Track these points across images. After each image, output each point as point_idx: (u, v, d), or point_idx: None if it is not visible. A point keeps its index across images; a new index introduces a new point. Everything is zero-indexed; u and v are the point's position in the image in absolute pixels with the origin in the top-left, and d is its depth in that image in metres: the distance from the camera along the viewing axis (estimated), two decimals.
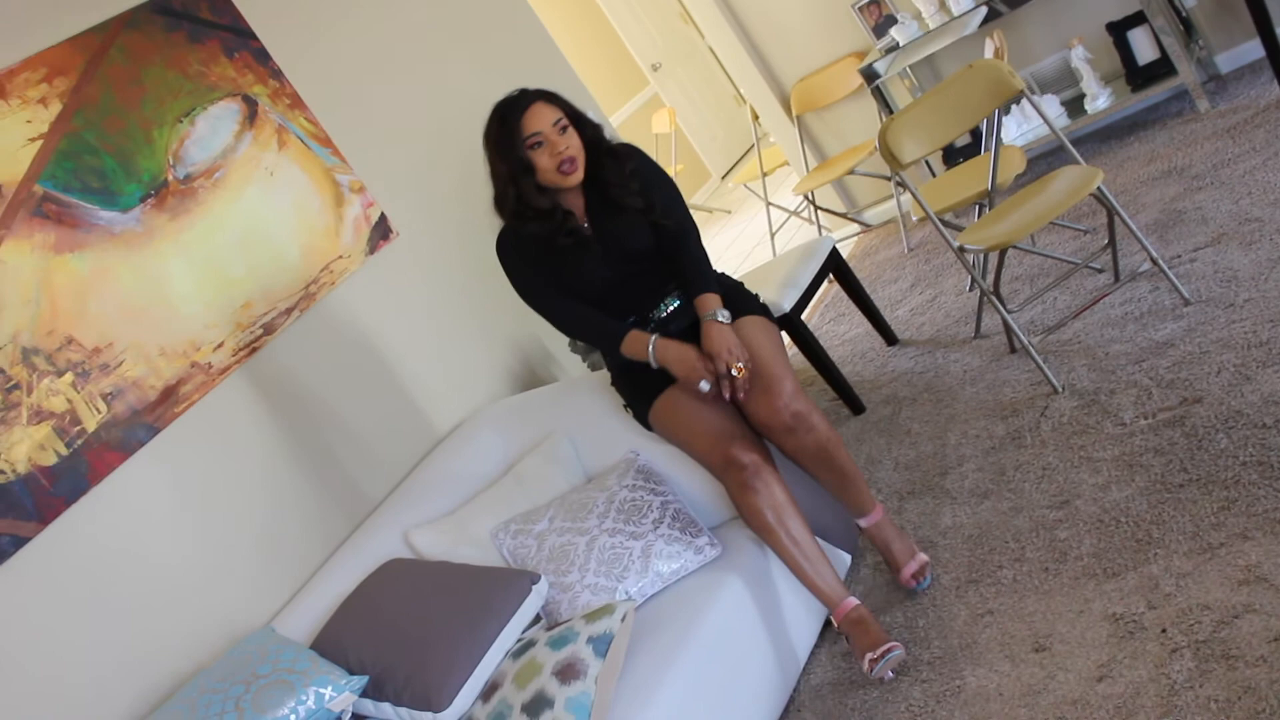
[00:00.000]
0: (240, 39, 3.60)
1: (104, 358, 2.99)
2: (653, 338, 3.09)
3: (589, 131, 3.12)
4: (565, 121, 3.04)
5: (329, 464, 3.43)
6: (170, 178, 3.27)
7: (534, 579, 2.90)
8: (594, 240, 3.15)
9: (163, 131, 3.30)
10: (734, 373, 3.00)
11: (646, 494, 3.12)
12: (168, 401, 3.10)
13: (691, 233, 3.25)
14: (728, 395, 3.02)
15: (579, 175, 3.06)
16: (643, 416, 3.26)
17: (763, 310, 3.32)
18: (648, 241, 3.18)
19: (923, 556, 3.17)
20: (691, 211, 3.33)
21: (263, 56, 3.64)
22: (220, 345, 3.25)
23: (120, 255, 3.11)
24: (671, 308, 3.24)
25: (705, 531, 3.05)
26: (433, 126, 4.18)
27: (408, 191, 3.98)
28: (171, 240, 3.23)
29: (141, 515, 2.96)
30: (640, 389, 3.24)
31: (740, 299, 3.31)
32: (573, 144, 3.04)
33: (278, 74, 3.66)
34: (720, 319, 3.09)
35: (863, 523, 3.17)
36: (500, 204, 3.11)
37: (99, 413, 2.93)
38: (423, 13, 4.35)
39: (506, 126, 3.01)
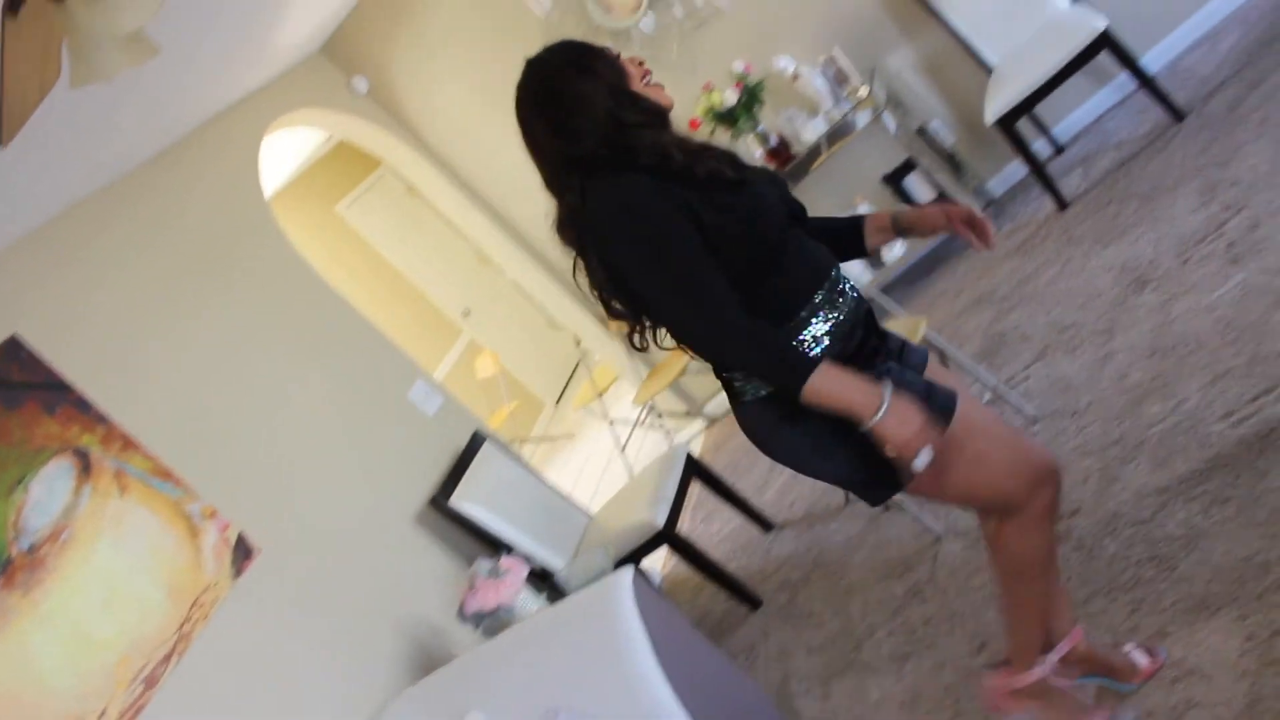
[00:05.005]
0: (58, 393, 3.52)
1: None
2: (887, 387, 2.11)
3: None
4: None
5: None
6: (14, 553, 3.14)
7: None
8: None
9: None
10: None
11: None
12: None
13: None
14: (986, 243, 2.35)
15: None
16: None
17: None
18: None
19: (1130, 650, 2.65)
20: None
21: (84, 406, 3.56)
22: (103, 713, 3.07)
23: None
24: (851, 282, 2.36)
25: None
26: (272, 431, 4.14)
27: (262, 504, 3.90)
28: (29, 617, 3.07)
29: None
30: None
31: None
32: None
33: (104, 419, 3.58)
34: None
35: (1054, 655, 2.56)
36: (634, 146, 2.21)
37: None
38: (239, 323, 4.36)
39: (595, 57, 2.27)
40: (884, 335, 2.39)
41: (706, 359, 2.25)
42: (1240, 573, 2.63)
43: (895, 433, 2.07)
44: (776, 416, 2.26)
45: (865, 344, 2.30)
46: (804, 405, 2.13)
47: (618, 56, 2.28)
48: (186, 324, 4.17)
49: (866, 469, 2.23)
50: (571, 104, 2.21)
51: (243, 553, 3.69)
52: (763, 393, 2.26)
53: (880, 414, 2.07)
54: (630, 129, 2.22)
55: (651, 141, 2.21)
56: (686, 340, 2.23)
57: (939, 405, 2.24)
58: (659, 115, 2.28)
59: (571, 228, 2.28)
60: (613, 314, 2.36)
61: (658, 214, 2.14)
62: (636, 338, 2.40)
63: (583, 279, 2.32)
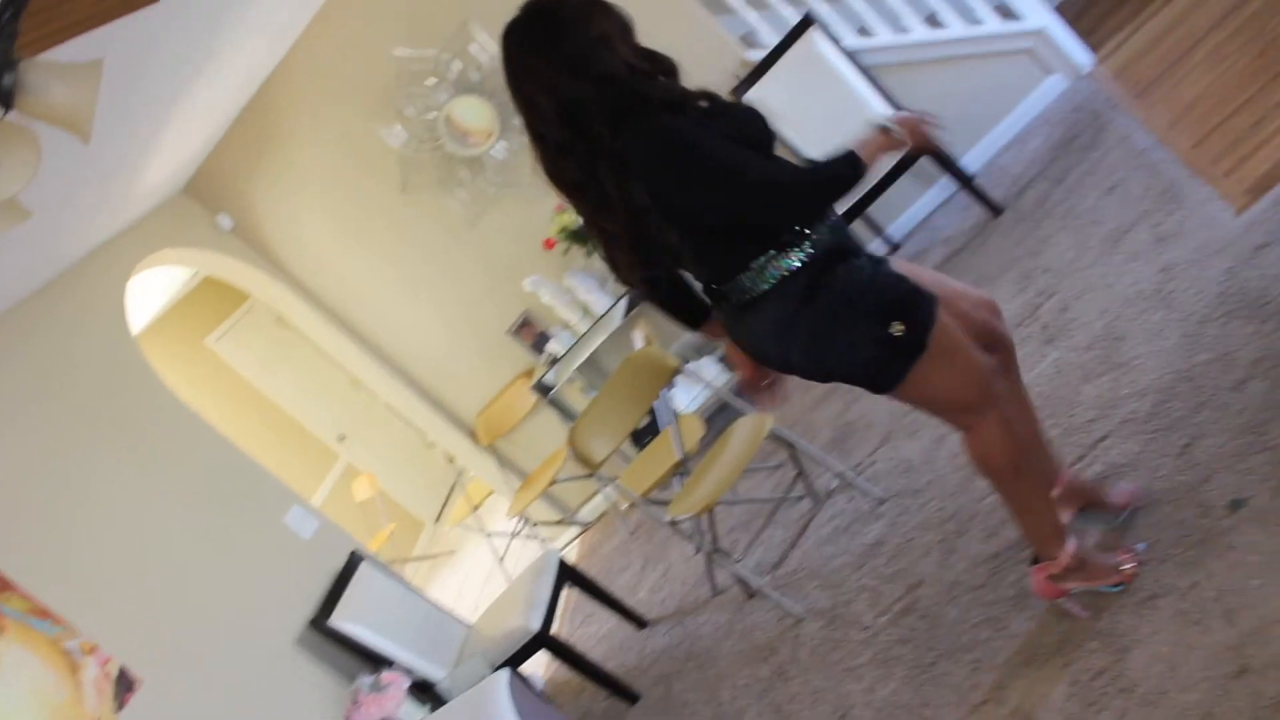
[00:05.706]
0: None
1: None
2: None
3: None
4: None
5: None
6: None
7: None
8: None
9: None
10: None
11: None
12: None
13: None
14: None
15: None
16: (916, 346, 2.53)
17: None
18: None
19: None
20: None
21: None
22: None
23: None
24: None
25: None
26: (150, 563, 4.21)
27: (143, 636, 3.95)
28: None
29: None
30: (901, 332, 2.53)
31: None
32: None
33: None
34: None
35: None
36: (650, 92, 2.47)
37: None
38: (112, 460, 4.44)
39: (607, 8, 2.53)
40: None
41: (787, 214, 2.52)
42: (1063, 625, 2.87)
43: (907, 121, 2.66)
44: (797, 298, 2.54)
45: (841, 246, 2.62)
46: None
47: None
48: (59, 464, 4.23)
49: (886, 336, 2.51)
50: (597, 46, 2.44)
51: (125, 685, 3.74)
52: (774, 280, 2.54)
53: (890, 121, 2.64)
54: (649, 76, 2.49)
55: (667, 87, 2.50)
56: (769, 205, 2.48)
57: (924, 309, 2.55)
58: (670, 64, 2.55)
59: (577, 160, 2.50)
60: (625, 237, 2.58)
61: (707, 143, 2.43)
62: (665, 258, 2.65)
63: (571, 215, 2.65)
